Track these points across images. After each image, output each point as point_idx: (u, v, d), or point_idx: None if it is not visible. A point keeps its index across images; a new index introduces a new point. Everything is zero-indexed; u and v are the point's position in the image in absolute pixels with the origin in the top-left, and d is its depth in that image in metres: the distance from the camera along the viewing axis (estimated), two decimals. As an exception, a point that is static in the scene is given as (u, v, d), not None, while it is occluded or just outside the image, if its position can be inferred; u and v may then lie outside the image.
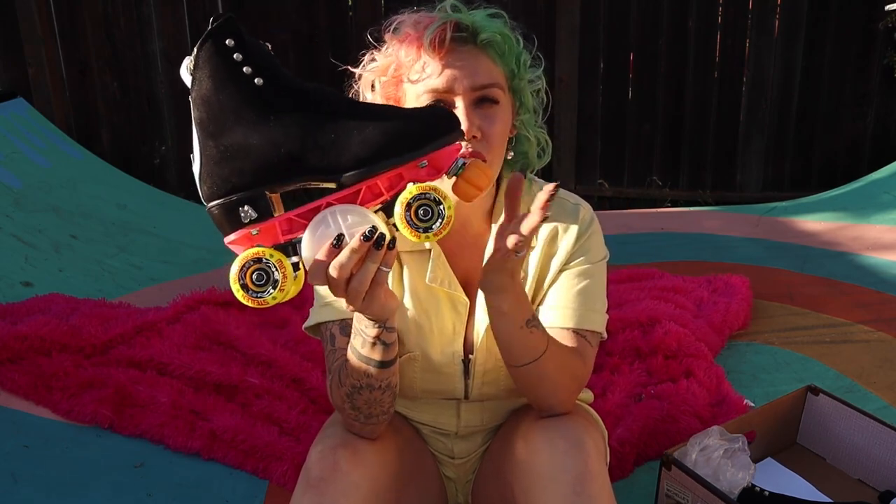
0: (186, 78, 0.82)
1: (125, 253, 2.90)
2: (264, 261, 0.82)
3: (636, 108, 4.00)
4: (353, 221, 0.84)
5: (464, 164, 0.87)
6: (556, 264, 1.12)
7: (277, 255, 0.82)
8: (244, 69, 0.81)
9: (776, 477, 1.55)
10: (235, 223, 0.84)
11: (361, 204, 0.85)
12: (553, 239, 1.13)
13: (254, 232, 0.83)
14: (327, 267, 0.83)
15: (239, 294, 0.82)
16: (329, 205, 0.85)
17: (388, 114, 0.86)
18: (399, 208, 0.84)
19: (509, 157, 1.11)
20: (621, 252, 2.82)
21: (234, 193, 0.83)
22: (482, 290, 1.00)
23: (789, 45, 3.83)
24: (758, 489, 1.42)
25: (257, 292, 0.82)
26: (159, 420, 1.73)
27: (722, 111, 3.95)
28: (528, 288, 1.13)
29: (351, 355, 0.98)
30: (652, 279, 2.48)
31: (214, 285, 2.36)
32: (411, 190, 0.84)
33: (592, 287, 1.12)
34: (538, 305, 1.13)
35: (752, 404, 1.78)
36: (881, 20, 3.69)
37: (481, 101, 1.02)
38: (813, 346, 2.11)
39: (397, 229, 0.86)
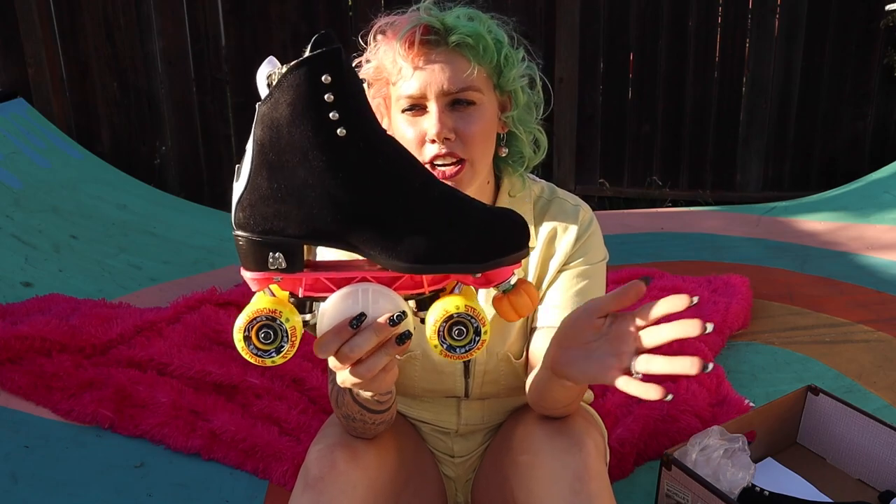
0: (262, 87, 0.72)
1: (125, 253, 2.90)
2: (278, 322, 0.74)
3: (636, 108, 4.00)
4: (384, 308, 0.76)
5: (514, 284, 0.80)
6: (554, 265, 1.12)
7: (294, 320, 0.74)
8: (331, 114, 0.71)
9: (776, 477, 1.55)
10: (260, 264, 0.75)
11: (398, 289, 0.78)
12: (552, 240, 1.13)
13: (276, 278, 0.76)
14: (339, 344, 0.76)
15: (239, 345, 0.75)
16: (363, 279, 0.77)
17: (463, 214, 0.75)
18: (435, 317, 0.77)
19: (503, 155, 1.11)
20: (621, 252, 2.82)
21: (270, 235, 0.74)
22: (567, 377, 0.89)
23: (789, 45, 3.83)
24: (758, 489, 1.42)
25: (260, 351, 0.75)
26: (159, 420, 1.73)
27: (722, 111, 3.95)
28: None
29: (346, 393, 0.99)
30: (652, 279, 2.48)
31: (214, 285, 2.36)
32: (458, 306, 0.76)
33: (591, 288, 1.12)
34: (538, 304, 1.14)
35: (753, 404, 1.78)
36: (881, 20, 3.69)
37: (456, 104, 1.02)
38: (813, 346, 2.11)
39: (422, 322, 0.79)
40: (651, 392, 0.78)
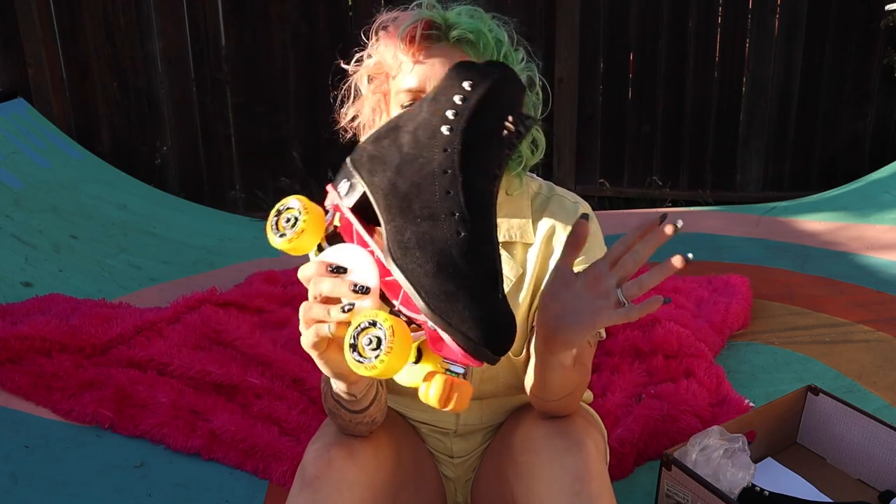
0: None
1: (125, 253, 2.90)
2: (299, 214, 0.81)
3: (636, 108, 4.00)
4: (362, 278, 0.79)
5: (459, 374, 0.77)
6: (554, 263, 1.12)
7: (309, 226, 0.81)
8: (448, 112, 0.78)
9: (776, 477, 1.55)
10: (337, 182, 0.83)
11: (384, 285, 0.80)
12: (551, 237, 1.13)
13: (336, 201, 0.84)
14: (311, 274, 0.81)
15: (272, 212, 0.84)
16: (372, 253, 0.81)
17: (478, 283, 0.74)
18: (363, 314, 0.76)
19: None
20: (621, 252, 2.81)
21: (354, 166, 0.82)
22: (557, 350, 0.91)
23: (789, 45, 3.83)
24: (758, 489, 1.42)
25: (277, 229, 0.83)
26: (159, 420, 1.73)
27: (722, 111, 3.95)
28: (527, 287, 1.13)
29: (328, 392, 1.01)
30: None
31: (214, 285, 2.36)
32: (386, 318, 0.74)
33: None
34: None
35: (753, 404, 1.78)
36: (881, 20, 3.69)
37: None
38: (813, 346, 2.11)
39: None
40: (651, 305, 0.81)
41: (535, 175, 1.19)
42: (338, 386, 0.97)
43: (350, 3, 3.90)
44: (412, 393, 1.20)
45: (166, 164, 3.99)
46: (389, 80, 1.07)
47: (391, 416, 1.19)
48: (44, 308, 2.20)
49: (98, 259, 2.80)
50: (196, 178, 4.02)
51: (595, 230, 1.14)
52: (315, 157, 3.96)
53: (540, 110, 1.13)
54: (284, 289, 2.45)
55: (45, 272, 2.60)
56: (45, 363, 1.88)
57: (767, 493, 1.42)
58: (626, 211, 3.66)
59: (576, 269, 1.11)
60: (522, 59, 1.09)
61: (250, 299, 2.31)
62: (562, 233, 1.13)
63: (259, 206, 3.94)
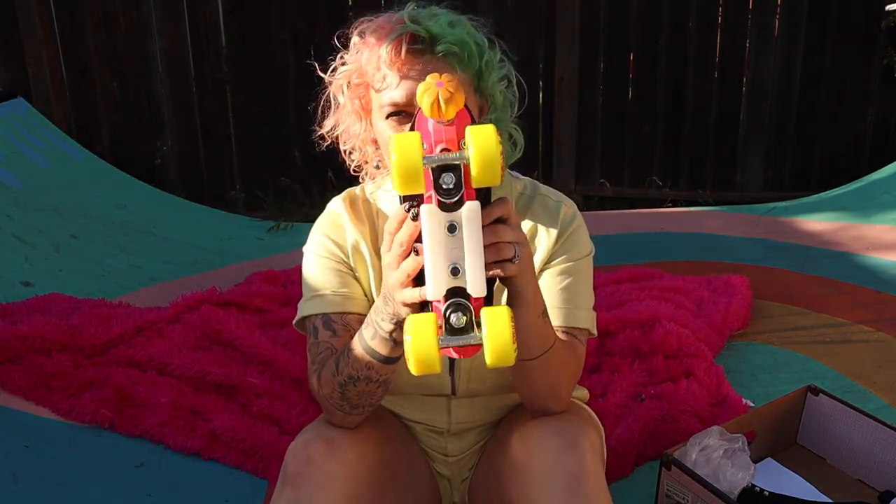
0: None
1: (125, 253, 2.90)
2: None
3: (636, 108, 4.00)
4: None
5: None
6: (536, 263, 1.12)
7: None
8: None
9: (776, 477, 1.55)
10: None
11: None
12: (532, 238, 1.13)
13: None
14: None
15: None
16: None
17: None
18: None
19: None
20: (621, 252, 2.82)
21: None
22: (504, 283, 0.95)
23: (789, 45, 3.83)
24: (758, 489, 1.42)
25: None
26: (159, 420, 1.73)
27: (722, 111, 3.95)
28: None
29: (356, 345, 0.99)
30: (652, 279, 2.47)
31: (214, 285, 2.36)
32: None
33: (577, 285, 1.12)
34: None
35: (752, 404, 1.78)
36: (881, 20, 3.69)
37: None
38: (813, 346, 2.11)
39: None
40: None
41: (519, 175, 1.19)
42: (387, 330, 0.95)
43: (350, 3, 3.90)
44: (407, 393, 1.20)
45: (166, 164, 3.99)
46: (370, 90, 1.06)
47: (375, 412, 1.19)
48: (44, 308, 2.20)
49: (98, 259, 2.80)
50: (196, 178, 4.02)
51: (578, 228, 1.14)
52: (315, 157, 3.95)
53: (516, 108, 1.13)
54: (284, 289, 2.45)
55: (45, 272, 2.60)
56: (45, 363, 1.88)
57: (767, 493, 1.42)
58: (626, 211, 3.66)
59: (559, 266, 1.12)
60: (500, 60, 1.09)
61: (250, 299, 2.31)
62: (543, 233, 1.13)
63: (259, 206, 3.93)
